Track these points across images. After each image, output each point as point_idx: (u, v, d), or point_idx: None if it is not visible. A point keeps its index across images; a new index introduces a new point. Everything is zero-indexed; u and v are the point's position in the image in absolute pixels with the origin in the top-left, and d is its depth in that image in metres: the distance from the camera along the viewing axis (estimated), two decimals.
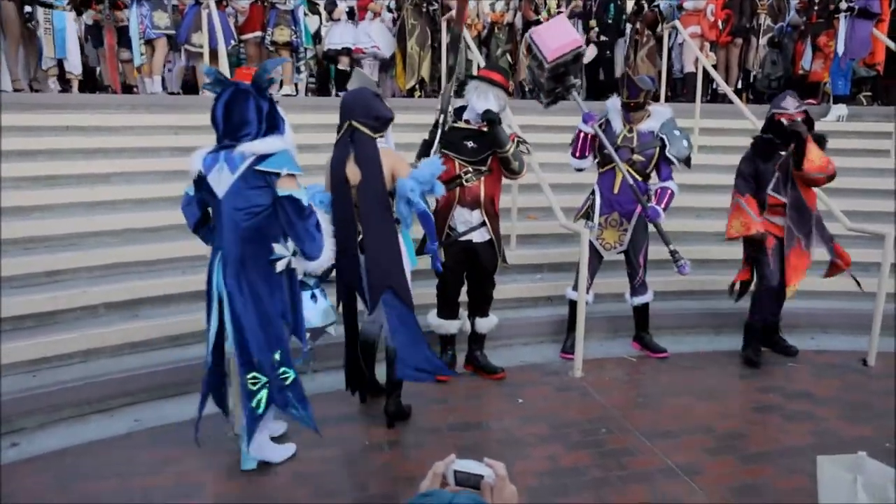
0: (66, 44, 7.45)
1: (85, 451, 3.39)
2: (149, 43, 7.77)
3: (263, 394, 3.03)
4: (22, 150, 5.30)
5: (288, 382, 3.10)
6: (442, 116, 4.03)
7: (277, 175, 2.95)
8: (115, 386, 3.83)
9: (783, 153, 4.36)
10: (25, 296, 4.14)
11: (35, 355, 3.88)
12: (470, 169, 4.01)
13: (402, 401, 3.69)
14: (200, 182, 3.08)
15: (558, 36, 4.25)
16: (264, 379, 3.02)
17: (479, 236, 4.09)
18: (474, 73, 6.91)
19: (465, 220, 4.05)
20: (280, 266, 3.01)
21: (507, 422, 3.75)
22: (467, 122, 4.05)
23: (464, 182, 4.00)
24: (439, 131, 4.01)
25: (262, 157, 2.94)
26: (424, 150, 4.06)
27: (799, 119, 4.30)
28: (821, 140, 4.40)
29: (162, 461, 3.28)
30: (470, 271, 4.20)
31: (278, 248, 3.00)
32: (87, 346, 4.04)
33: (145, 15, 7.64)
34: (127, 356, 4.12)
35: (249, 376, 3.01)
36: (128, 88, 8.45)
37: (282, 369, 3.07)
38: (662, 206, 4.45)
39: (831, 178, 4.33)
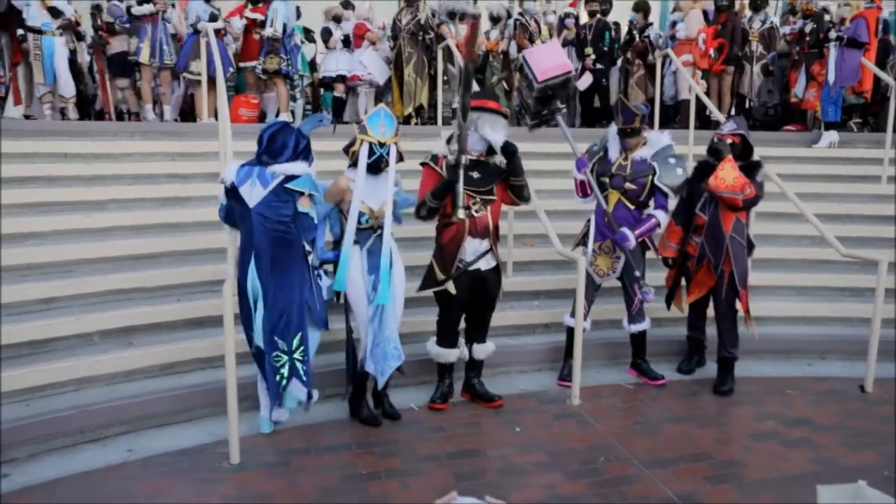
0: (53, 69, 7.45)
1: (77, 481, 3.34)
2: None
3: (285, 370, 3.66)
4: (19, 177, 5.31)
5: (303, 359, 3.69)
6: (464, 158, 3.91)
7: (301, 193, 3.64)
8: (109, 415, 3.80)
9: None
10: (20, 323, 4.12)
11: (28, 384, 3.84)
12: (478, 199, 4.02)
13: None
14: (232, 191, 3.66)
15: (551, 58, 4.30)
16: (286, 358, 3.64)
17: (486, 263, 4.10)
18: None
19: (475, 249, 4.05)
20: (312, 259, 3.76)
21: (505, 450, 3.72)
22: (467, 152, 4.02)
23: (473, 213, 4.00)
24: (461, 172, 3.90)
25: (290, 178, 3.61)
26: (444, 189, 3.94)
27: (728, 140, 4.42)
28: (754, 166, 4.47)
29: (154, 492, 3.24)
30: (475, 299, 4.20)
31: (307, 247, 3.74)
32: (80, 374, 4.01)
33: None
34: (121, 384, 4.09)
35: (273, 355, 3.62)
36: (121, 115, 8.53)
37: (301, 348, 3.67)
38: (637, 232, 4.43)
39: (750, 202, 4.40)
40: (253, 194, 3.59)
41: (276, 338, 3.62)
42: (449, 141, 4.08)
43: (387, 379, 3.85)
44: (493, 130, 3.97)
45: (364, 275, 3.82)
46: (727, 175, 4.29)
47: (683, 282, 4.76)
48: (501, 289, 4.25)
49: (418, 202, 4.01)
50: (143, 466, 3.49)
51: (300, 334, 3.67)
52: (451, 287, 4.05)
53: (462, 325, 4.31)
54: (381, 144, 3.77)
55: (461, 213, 3.91)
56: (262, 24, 8.09)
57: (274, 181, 3.59)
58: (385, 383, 3.93)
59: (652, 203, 4.56)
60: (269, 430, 3.85)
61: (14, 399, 3.77)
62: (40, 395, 3.86)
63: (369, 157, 3.76)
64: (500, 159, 4.10)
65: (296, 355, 3.66)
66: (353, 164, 3.84)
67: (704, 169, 4.52)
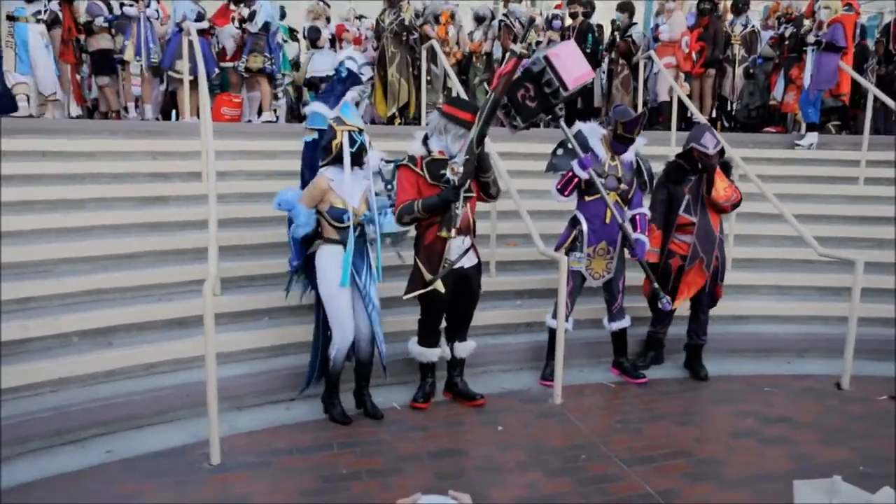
0: (29, 59, 7.07)
1: (54, 484, 3.29)
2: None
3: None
4: None
5: None
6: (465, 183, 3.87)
7: None
8: (87, 416, 3.75)
9: (692, 178, 4.67)
10: None
11: (3, 385, 3.77)
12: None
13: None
14: None
15: (579, 65, 4.13)
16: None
17: (469, 260, 4.09)
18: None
19: (458, 247, 4.02)
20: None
21: (487, 449, 3.73)
22: (441, 153, 3.98)
23: (455, 211, 3.95)
24: (462, 195, 3.89)
25: None
26: (438, 206, 3.90)
27: (714, 155, 4.59)
28: (727, 166, 4.84)
29: (134, 493, 3.20)
30: (459, 297, 4.17)
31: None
32: (58, 375, 3.95)
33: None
34: (100, 385, 4.04)
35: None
36: (92, 112, 8.43)
37: None
38: (645, 233, 4.57)
39: (736, 205, 4.75)
40: None
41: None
42: (425, 141, 4.01)
43: (358, 374, 3.96)
44: (454, 143, 3.91)
45: (349, 272, 3.80)
46: (719, 188, 4.62)
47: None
48: (481, 285, 4.25)
49: (402, 207, 3.91)
50: (122, 468, 3.45)
51: None
52: (439, 286, 3.98)
53: (443, 323, 4.30)
54: (360, 131, 3.79)
55: (452, 233, 3.90)
56: (251, 19, 8.03)
57: None
58: (366, 382, 3.96)
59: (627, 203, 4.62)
60: None
61: None
62: (16, 396, 3.79)
63: (351, 145, 3.75)
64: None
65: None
66: (332, 161, 3.81)
67: (680, 172, 4.72)
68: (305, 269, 4.01)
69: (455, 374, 4.36)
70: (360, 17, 9.22)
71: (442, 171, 3.87)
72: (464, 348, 4.31)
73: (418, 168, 3.97)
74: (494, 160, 4.68)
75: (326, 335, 4.01)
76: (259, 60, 8.19)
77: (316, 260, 3.86)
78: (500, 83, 3.84)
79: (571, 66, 4.07)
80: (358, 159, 3.80)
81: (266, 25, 8.15)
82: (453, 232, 3.89)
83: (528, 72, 4.10)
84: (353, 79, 4.50)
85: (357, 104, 4.66)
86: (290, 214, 3.88)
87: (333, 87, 4.46)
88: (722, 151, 4.70)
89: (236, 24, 8.12)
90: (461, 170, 3.79)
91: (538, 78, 4.06)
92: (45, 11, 7.31)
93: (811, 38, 7.72)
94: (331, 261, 3.79)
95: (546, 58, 4.08)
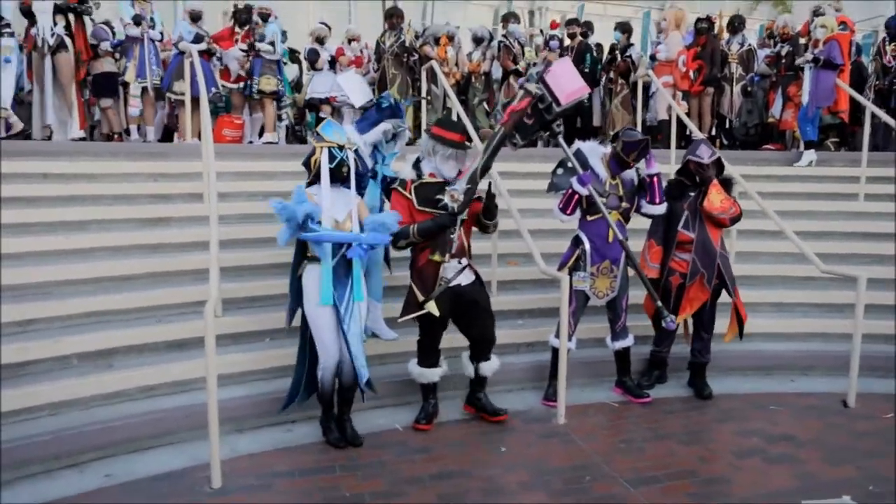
0: None
1: None
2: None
3: None
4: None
5: None
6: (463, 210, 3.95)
7: None
8: (87, 439, 3.72)
9: (692, 194, 4.67)
10: None
11: (3, 408, 3.74)
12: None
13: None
14: None
15: (572, 81, 4.16)
16: None
17: (466, 278, 4.10)
18: (453, 119, 7.05)
19: (454, 267, 4.05)
20: None
21: (490, 470, 3.69)
22: (432, 175, 4.02)
23: (450, 236, 3.98)
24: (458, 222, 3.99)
25: None
26: (434, 231, 3.96)
27: (710, 165, 4.62)
28: (728, 183, 4.80)
29: None
30: (466, 314, 4.17)
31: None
32: (57, 398, 3.93)
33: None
34: (99, 408, 4.01)
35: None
36: (92, 134, 8.49)
37: None
38: (657, 199, 4.54)
39: (735, 219, 4.70)
40: None
41: None
42: (417, 164, 4.06)
43: (341, 398, 3.89)
44: (444, 164, 3.97)
45: (329, 289, 3.73)
46: (714, 199, 4.58)
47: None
48: (489, 298, 4.25)
49: (399, 230, 3.89)
50: (121, 492, 3.42)
51: None
52: (433, 309, 4.00)
53: (443, 343, 4.28)
54: (341, 148, 3.77)
55: (446, 258, 3.95)
56: (261, 40, 8.11)
57: None
58: (348, 407, 3.94)
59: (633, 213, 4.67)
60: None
61: None
62: (14, 420, 3.76)
63: (331, 161, 3.74)
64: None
65: None
66: (313, 181, 3.81)
67: (680, 188, 4.73)
68: (296, 291, 3.97)
69: (477, 391, 4.35)
70: (350, 41, 9.30)
71: (438, 197, 3.91)
72: (488, 367, 4.28)
73: (407, 192, 4.00)
74: (494, 179, 4.70)
75: (313, 356, 3.97)
76: (272, 83, 8.26)
77: (302, 280, 3.83)
78: (511, 119, 3.88)
79: (564, 82, 4.13)
80: (339, 175, 3.78)
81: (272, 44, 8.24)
82: (447, 256, 3.94)
83: (526, 90, 4.14)
84: (392, 111, 4.53)
85: (395, 136, 4.65)
86: (285, 210, 3.64)
87: (370, 114, 4.51)
88: (720, 166, 4.72)
89: (245, 46, 8.20)
90: (461, 198, 3.82)
91: (541, 95, 4.10)
92: (53, 36, 7.38)
93: (808, 56, 7.79)
94: (313, 279, 3.76)
95: (541, 76, 4.15)
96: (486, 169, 3.86)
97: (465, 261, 4.08)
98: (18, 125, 7.29)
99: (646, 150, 4.44)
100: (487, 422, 4.30)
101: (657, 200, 4.55)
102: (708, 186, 4.58)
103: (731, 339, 4.87)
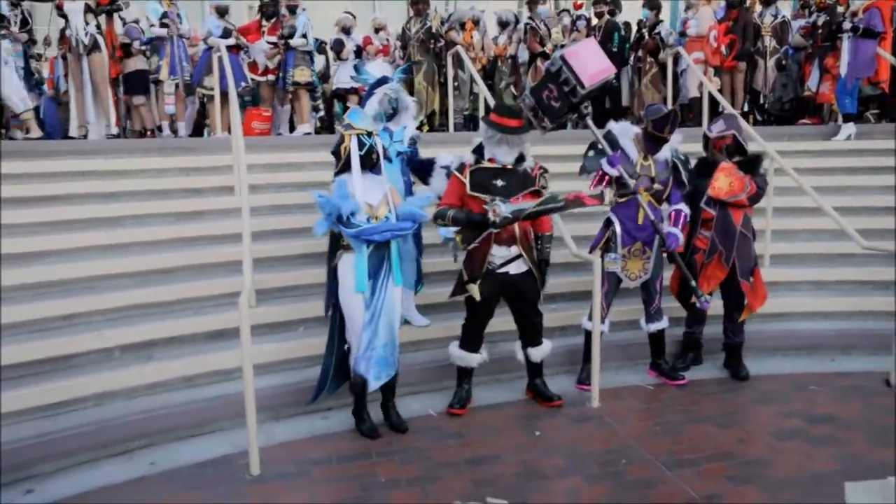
0: None
1: (100, 496, 3.36)
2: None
3: None
4: (38, 196, 5.37)
5: None
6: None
7: None
8: (130, 429, 3.83)
9: None
10: (41, 340, 4.16)
11: (50, 400, 3.87)
12: None
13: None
14: None
15: (595, 61, 4.11)
16: None
17: (517, 268, 4.09)
18: (481, 106, 7.03)
19: (503, 255, 4.06)
20: None
21: (525, 455, 3.69)
22: (491, 160, 4.04)
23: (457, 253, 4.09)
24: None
25: None
26: (465, 225, 4.06)
27: (723, 146, 4.53)
28: (754, 160, 4.60)
29: None
30: (512, 304, 4.22)
31: None
32: (102, 389, 4.04)
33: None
34: (142, 398, 4.12)
35: None
36: (137, 133, 8.65)
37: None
38: (679, 227, 4.46)
39: (754, 198, 4.53)
40: None
41: None
42: (479, 149, 4.10)
43: (390, 385, 3.90)
44: (501, 150, 4.00)
45: (365, 277, 3.75)
46: (721, 184, 4.47)
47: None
48: (542, 293, 4.24)
49: (439, 210, 4.05)
50: (165, 479, 3.51)
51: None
52: (475, 292, 4.05)
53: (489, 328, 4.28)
54: (369, 135, 3.79)
55: (454, 259, 4.14)
56: (290, 36, 8.15)
57: None
58: (392, 393, 3.96)
59: (666, 201, 4.53)
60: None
61: (37, 415, 3.81)
62: (62, 410, 3.89)
63: (360, 148, 3.76)
64: (528, 166, 4.10)
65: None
66: (342, 170, 3.82)
67: (705, 165, 4.65)
68: (333, 279, 3.99)
69: (534, 377, 4.39)
70: (377, 31, 9.26)
71: (494, 182, 3.98)
72: (538, 353, 4.31)
73: (463, 176, 4.04)
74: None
75: (341, 345, 4.00)
76: (307, 74, 8.31)
77: (338, 269, 3.85)
78: (575, 199, 3.97)
79: (587, 63, 4.08)
80: (368, 162, 3.79)
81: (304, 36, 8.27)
82: (457, 258, 4.11)
83: (548, 72, 4.19)
84: (380, 81, 4.58)
85: (395, 110, 4.64)
86: (328, 204, 3.70)
87: (368, 92, 4.57)
88: (742, 147, 4.57)
89: (273, 39, 8.24)
90: (498, 220, 3.88)
91: (557, 77, 4.12)
92: (87, 36, 7.53)
93: (847, 25, 7.51)
94: (349, 267, 3.78)
95: (562, 56, 4.15)
96: (532, 215, 3.96)
97: (515, 249, 4.06)
98: (36, 132, 7.37)
99: (676, 121, 4.37)
100: (523, 407, 4.30)
101: (678, 228, 4.47)
102: (713, 171, 4.48)
103: (745, 317, 4.72)
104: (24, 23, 7.32)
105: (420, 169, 4.74)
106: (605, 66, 4.13)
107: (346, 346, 3.96)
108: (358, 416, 3.99)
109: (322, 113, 9.76)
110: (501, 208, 3.88)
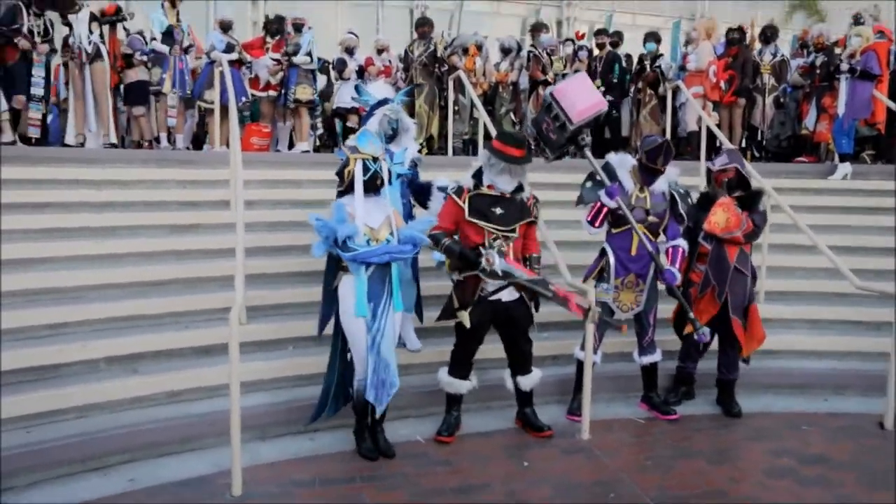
0: None
1: None
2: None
3: None
4: (30, 203, 5.34)
5: None
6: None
7: None
8: (112, 443, 3.76)
9: None
10: (25, 349, 4.11)
11: (32, 410, 3.82)
12: (499, 237, 4.01)
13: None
14: None
15: (584, 97, 4.16)
16: None
17: (509, 294, 4.07)
18: (480, 131, 7.07)
19: (496, 282, 4.03)
20: None
21: (513, 485, 3.65)
22: (490, 187, 4.03)
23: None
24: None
25: None
26: (458, 260, 4.04)
27: (724, 180, 4.55)
28: (755, 196, 4.63)
29: None
30: (503, 331, 4.20)
31: None
32: (85, 401, 3.98)
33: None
34: (126, 412, 4.06)
35: None
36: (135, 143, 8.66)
37: None
38: (677, 266, 4.45)
39: (751, 235, 4.56)
40: None
41: None
42: (478, 173, 4.08)
43: (383, 410, 3.84)
44: (501, 179, 3.99)
45: (364, 301, 3.72)
46: (719, 219, 4.48)
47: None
48: (534, 320, 4.22)
49: (433, 234, 3.98)
50: (144, 496, 3.44)
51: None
52: (465, 319, 4.02)
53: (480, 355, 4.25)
54: (375, 160, 3.77)
55: (456, 275, 4.08)
56: (294, 53, 8.20)
57: None
58: (381, 417, 3.91)
59: (663, 234, 4.54)
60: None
61: (16, 426, 3.74)
62: (42, 422, 3.83)
63: (364, 173, 3.74)
64: (525, 196, 4.11)
65: None
66: (345, 191, 3.81)
67: (707, 199, 4.66)
68: (329, 300, 3.97)
69: (523, 406, 4.34)
70: (379, 52, 9.35)
71: (492, 209, 3.98)
72: (527, 382, 4.26)
73: (461, 200, 4.02)
74: None
75: (343, 368, 3.97)
76: (308, 92, 8.35)
77: (338, 291, 3.84)
78: (558, 300, 4.05)
79: (576, 100, 4.15)
80: (372, 186, 3.78)
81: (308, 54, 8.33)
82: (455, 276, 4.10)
83: (544, 106, 4.34)
84: (380, 102, 4.59)
85: (395, 131, 4.62)
86: (325, 228, 3.69)
87: (368, 113, 4.59)
88: (745, 182, 4.60)
89: (277, 55, 8.30)
90: (489, 269, 3.91)
91: (550, 112, 4.26)
92: (91, 44, 7.56)
93: (844, 66, 7.63)
94: (349, 290, 3.75)
95: (552, 93, 4.29)
96: (518, 286, 3.99)
97: None
98: (9, 136, 7.30)
99: (670, 153, 4.36)
100: (512, 436, 4.26)
101: (675, 266, 4.45)
102: (713, 205, 4.50)
103: (746, 355, 4.72)
104: (46, 32, 7.36)
105: (419, 192, 4.73)
106: (593, 102, 4.19)
107: (348, 356, 3.94)
108: (358, 437, 3.95)
109: (321, 131, 9.79)
110: (496, 261, 3.90)
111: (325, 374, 4.04)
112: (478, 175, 4.09)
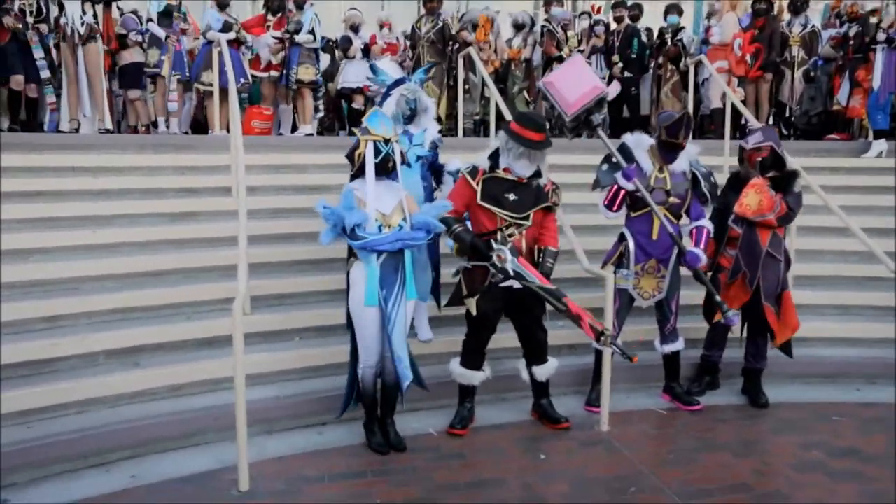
0: None
1: None
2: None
3: None
4: (24, 192, 5.39)
5: None
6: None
7: None
8: (113, 439, 3.81)
9: None
10: (22, 342, 4.16)
11: (29, 405, 3.87)
12: (511, 223, 4.02)
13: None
14: None
15: (575, 85, 4.16)
16: None
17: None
18: (492, 111, 7.04)
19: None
20: None
21: (529, 479, 3.68)
22: (507, 170, 4.03)
23: (506, 237, 4.01)
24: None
25: None
26: (469, 250, 4.06)
27: (758, 159, 4.50)
28: (790, 176, 4.54)
29: None
30: (516, 319, 4.22)
31: None
32: (84, 396, 4.03)
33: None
34: (126, 406, 4.11)
35: None
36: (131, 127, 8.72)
37: None
38: (701, 247, 4.44)
39: (784, 218, 4.51)
40: None
41: None
42: (495, 154, 4.07)
43: (382, 401, 3.90)
44: (519, 164, 3.99)
45: (375, 289, 3.74)
46: (751, 201, 4.43)
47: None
48: (547, 307, 4.22)
49: (447, 217, 3.96)
50: (146, 493, 3.50)
51: None
52: (471, 306, 4.04)
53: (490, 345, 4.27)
54: (386, 141, 3.76)
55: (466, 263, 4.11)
56: (297, 32, 8.20)
57: None
58: (390, 410, 3.95)
59: (686, 216, 4.53)
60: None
61: (14, 421, 3.79)
62: (41, 417, 3.88)
63: (376, 156, 3.74)
64: (542, 181, 4.10)
65: None
66: (357, 174, 3.83)
67: (738, 180, 4.62)
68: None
69: (539, 398, 4.36)
70: (381, 27, 9.31)
71: (506, 195, 3.98)
72: (542, 371, 4.28)
73: (475, 182, 4.03)
74: None
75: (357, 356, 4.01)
76: (311, 72, 8.35)
77: (349, 276, 3.87)
78: (570, 315, 4.02)
79: (566, 92, 4.17)
80: (384, 170, 3.78)
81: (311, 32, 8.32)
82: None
83: (546, 98, 4.43)
84: (397, 81, 4.59)
85: (413, 112, 4.61)
86: (333, 216, 3.70)
87: (385, 94, 4.64)
88: (780, 162, 4.55)
89: (278, 33, 8.30)
90: (499, 265, 3.92)
91: (547, 101, 4.36)
92: (83, 25, 7.60)
93: (881, 37, 7.53)
94: (360, 277, 3.78)
95: (544, 84, 4.36)
96: (528, 289, 3.98)
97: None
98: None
99: (690, 125, 4.36)
100: (528, 428, 4.29)
101: (700, 248, 4.43)
102: (745, 186, 4.46)
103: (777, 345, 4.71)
104: (39, 12, 7.40)
105: (436, 174, 4.75)
106: (586, 90, 4.18)
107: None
108: (368, 430, 3.99)
109: (322, 113, 9.79)
110: (508, 259, 3.91)
111: (349, 363, 4.05)
112: (494, 156, 4.08)
